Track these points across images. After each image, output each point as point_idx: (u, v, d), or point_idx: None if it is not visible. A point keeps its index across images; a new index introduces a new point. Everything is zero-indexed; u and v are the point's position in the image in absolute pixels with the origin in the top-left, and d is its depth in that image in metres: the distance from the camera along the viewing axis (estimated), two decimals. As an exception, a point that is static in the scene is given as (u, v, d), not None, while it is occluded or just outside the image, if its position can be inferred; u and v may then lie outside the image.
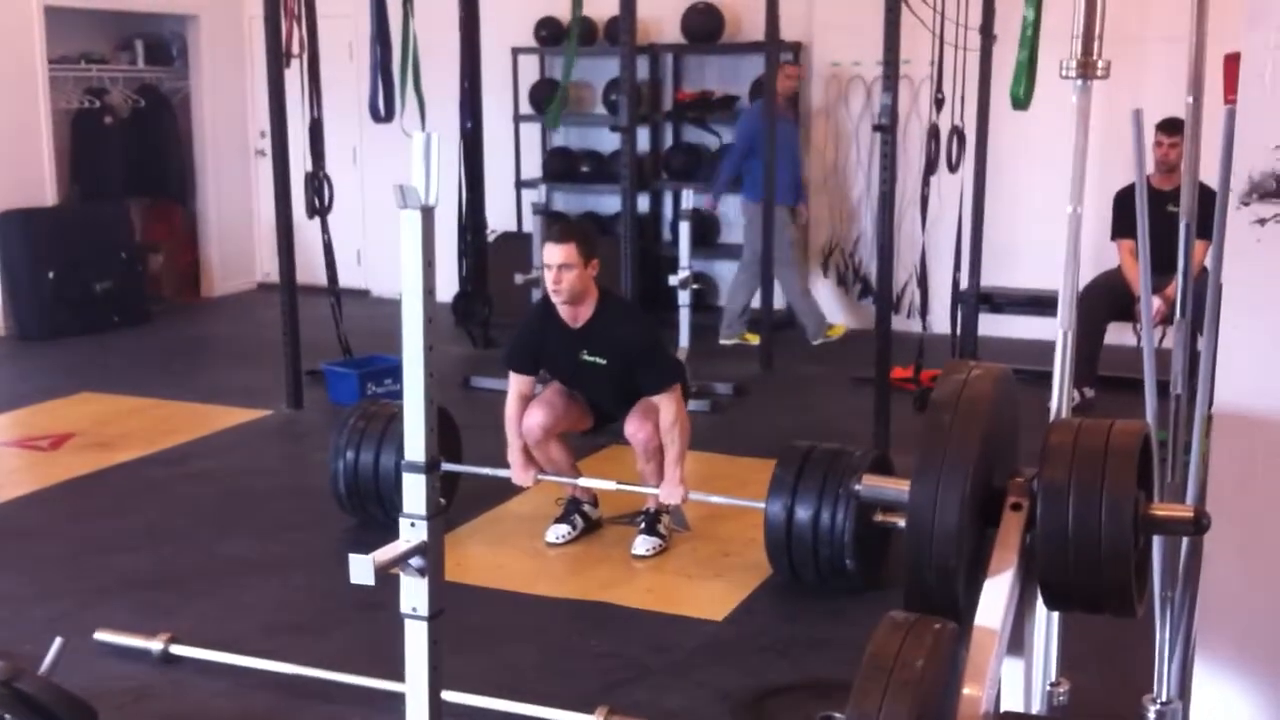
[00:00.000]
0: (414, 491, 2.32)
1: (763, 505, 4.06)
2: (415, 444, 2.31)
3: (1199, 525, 2.12)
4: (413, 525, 2.32)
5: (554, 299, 4.35)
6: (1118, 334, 6.53)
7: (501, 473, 4.49)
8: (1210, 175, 2.52)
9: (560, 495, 4.77)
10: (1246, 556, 2.42)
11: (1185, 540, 2.68)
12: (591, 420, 4.69)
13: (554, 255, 4.27)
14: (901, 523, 3.78)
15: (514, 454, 4.46)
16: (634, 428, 4.42)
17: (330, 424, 6.40)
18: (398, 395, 2.32)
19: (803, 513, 4.00)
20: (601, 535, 4.72)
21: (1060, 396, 2.61)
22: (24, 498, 5.18)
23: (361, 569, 2.17)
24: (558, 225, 4.99)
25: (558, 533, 4.65)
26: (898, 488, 2.23)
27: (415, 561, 2.31)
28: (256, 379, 6.96)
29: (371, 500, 4.67)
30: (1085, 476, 2.05)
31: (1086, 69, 2.42)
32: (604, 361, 4.40)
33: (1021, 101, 3.20)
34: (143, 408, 6.58)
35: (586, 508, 4.72)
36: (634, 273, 6.37)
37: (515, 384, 4.50)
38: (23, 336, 8.25)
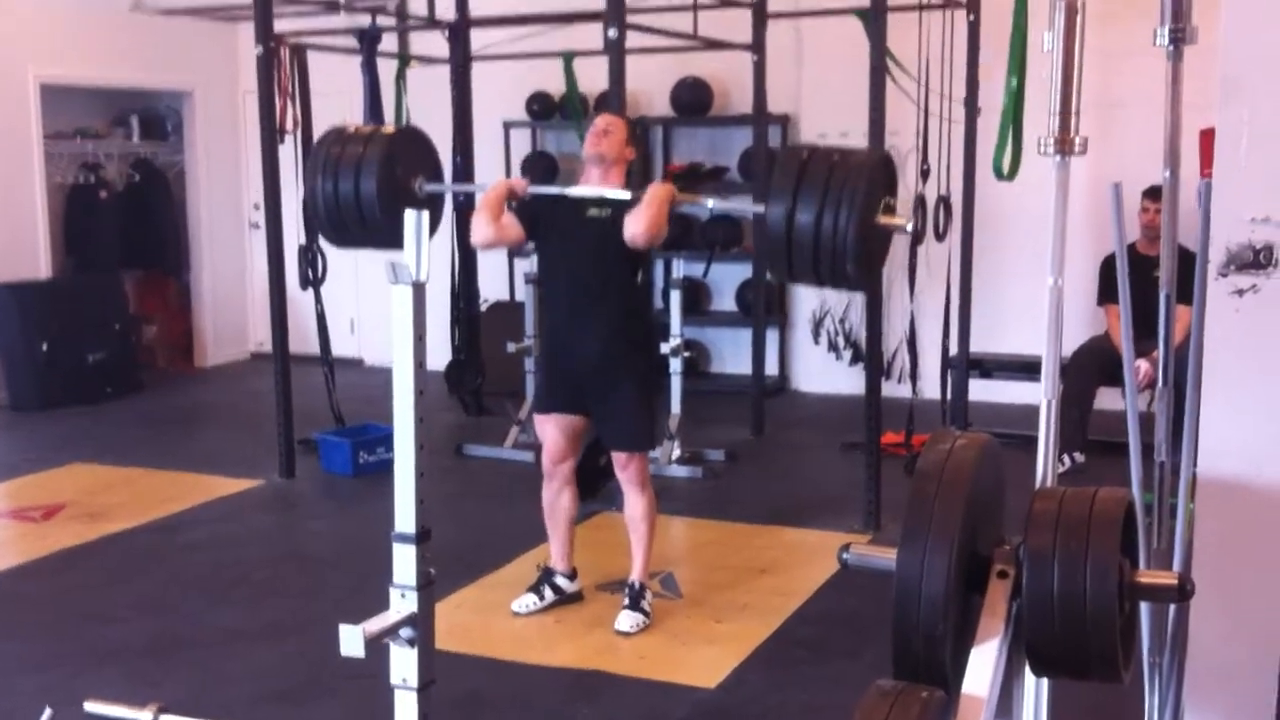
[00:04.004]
0: (404, 562, 2.33)
1: (762, 208, 3.83)
2: (405, 515, 2.33)
3: (1183, 592, 2.14)
4: (403, 596, 2.32)
5: (589, 160, 4.45)
6: (1109, 398, 6.56)
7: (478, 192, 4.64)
8: (1192, 241, 2.57)
9: (540, 562, 4.76)
10: (1233, 620, 2.44)
11: (1172, 605, 2.69)
12: (584, 420, 4.60)
13: (602, 121, 4.50)
14: (906, 225, 3.75)
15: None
16: (622, 463, 4.48)
17: (323, 493, 6.47)
18: (391, 464, 2.33)
19: (804, 215, 3.67)
20: (592, 602, 4.72)
21: (1045, 464, 2.63)
22: (15, 569, 5.17)
23: (351, 640, 2.17)
24: None
25: (525, 602, 4.63)
26: (884, 555, 2.24)
27: (405, 632, 2.31)
28: (248, 448, 6.97)
29: (354, 221, 4.61)
30: (1069, 544, 2.07)
31: (1064, 145, 2.46)
32: (607, 213, 4.40)
33: (1005, 175, 3.25)
34: (134, 478, 6.58)
35: (560, 580, 4.67)
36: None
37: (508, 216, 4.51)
38: (15, 407, 8.25)
